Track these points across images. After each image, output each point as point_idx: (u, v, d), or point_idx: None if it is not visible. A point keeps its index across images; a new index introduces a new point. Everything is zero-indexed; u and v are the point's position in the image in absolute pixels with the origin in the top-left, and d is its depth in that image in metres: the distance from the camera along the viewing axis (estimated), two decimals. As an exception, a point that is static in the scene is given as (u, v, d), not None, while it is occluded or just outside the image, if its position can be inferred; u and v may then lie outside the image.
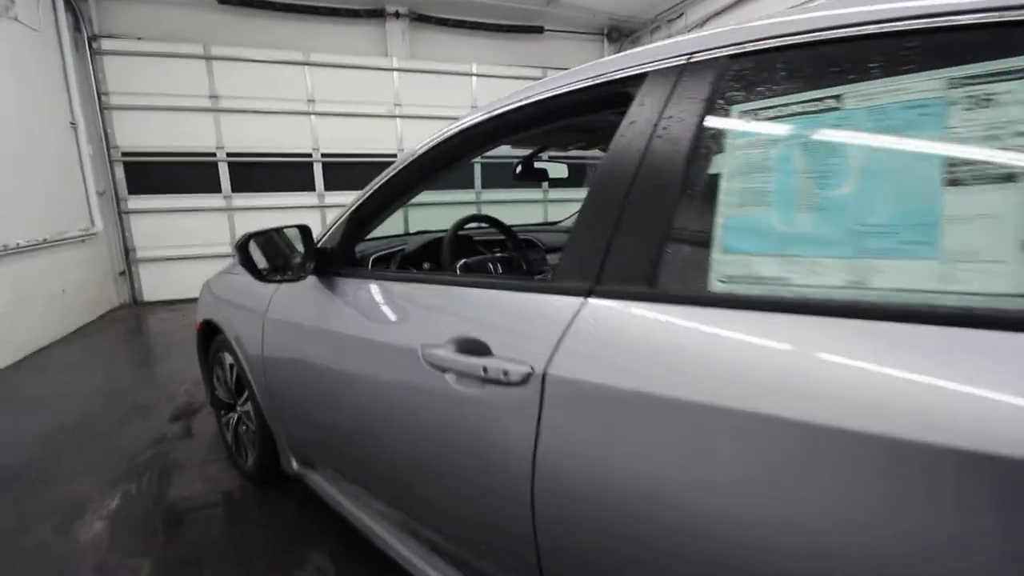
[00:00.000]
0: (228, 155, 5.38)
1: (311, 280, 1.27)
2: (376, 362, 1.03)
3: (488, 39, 6.40)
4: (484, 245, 1.86)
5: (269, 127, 5.48)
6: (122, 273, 5.19)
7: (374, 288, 1.12)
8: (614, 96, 0.81)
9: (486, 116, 1.00)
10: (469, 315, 0.87)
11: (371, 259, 1.47)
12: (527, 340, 0.75)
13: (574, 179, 2.27)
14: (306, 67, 5.54)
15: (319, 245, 1.27)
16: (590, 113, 0.94)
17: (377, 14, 5.81)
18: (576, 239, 0.77)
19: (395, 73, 5.93)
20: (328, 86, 5.65)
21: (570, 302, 0.72)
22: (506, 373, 0.75)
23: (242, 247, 1.11)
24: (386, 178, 1.18)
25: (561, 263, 0.78)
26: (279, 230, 1.18)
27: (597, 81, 0.83)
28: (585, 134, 1.47)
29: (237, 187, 5.47)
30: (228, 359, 1.75)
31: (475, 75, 6.33)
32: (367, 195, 1.21)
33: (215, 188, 5.39)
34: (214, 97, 5.27)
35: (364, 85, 5.81)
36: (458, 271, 1.42)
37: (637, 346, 0.63)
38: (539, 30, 6.54)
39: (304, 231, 1.20)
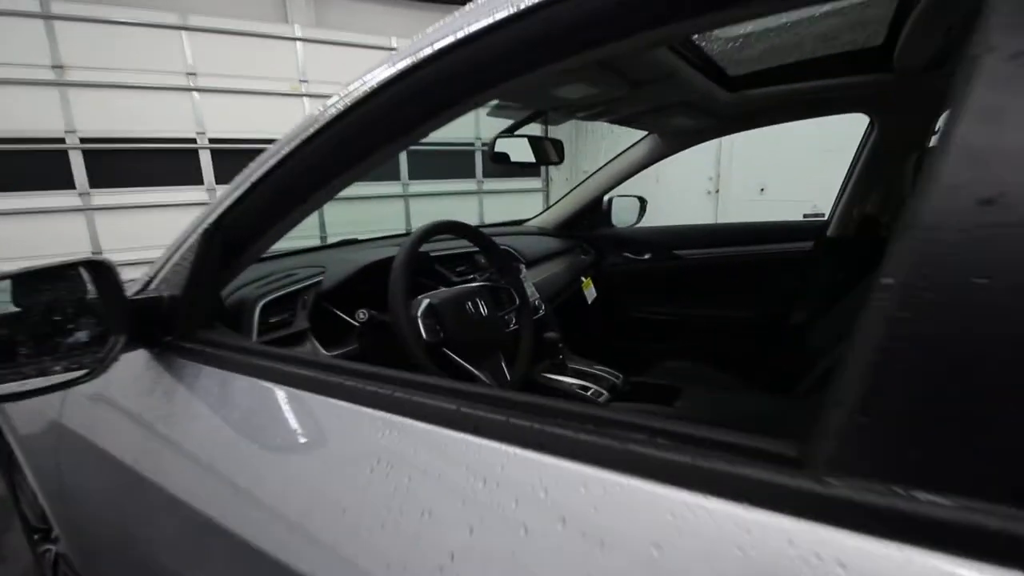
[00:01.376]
0: (82, 140, 4.24)
1: (138, 357, 0.64)
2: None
3: (408, 8, 5.65)
4: (440, 262, 1.28)
5: (137, 105, 4.39)
6: (-64, 297, 3.95)
7: (266, 394, 0.52)
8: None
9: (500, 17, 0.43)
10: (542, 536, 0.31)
11: (258, 308, 0.82)
12: None
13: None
14: (183, 32, 4.50)
15: (142, 293, 0.64)
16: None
17: (272, -28, 4.90)
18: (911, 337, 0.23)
19: (298, 43, 5.03)
20: (214, 57, 4.63)
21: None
22: None
23: None
24: (279, 157, 0.57)
25: (865, 424, 0.23)
26: (26, 275, 0.53)
27: None
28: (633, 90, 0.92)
29: (97, 182, 4.33)
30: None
31: (395, 50, 5.56)
32: (240, 191, 0.60)
33: (67, 183, 4.23)
34: (59, 67, 4.11)
35: (261, 57, 4.85)
36: (419, 317, 0.83)
37: None
38: (465, 1, 5.89)
39: (100, 270, 0.56)
